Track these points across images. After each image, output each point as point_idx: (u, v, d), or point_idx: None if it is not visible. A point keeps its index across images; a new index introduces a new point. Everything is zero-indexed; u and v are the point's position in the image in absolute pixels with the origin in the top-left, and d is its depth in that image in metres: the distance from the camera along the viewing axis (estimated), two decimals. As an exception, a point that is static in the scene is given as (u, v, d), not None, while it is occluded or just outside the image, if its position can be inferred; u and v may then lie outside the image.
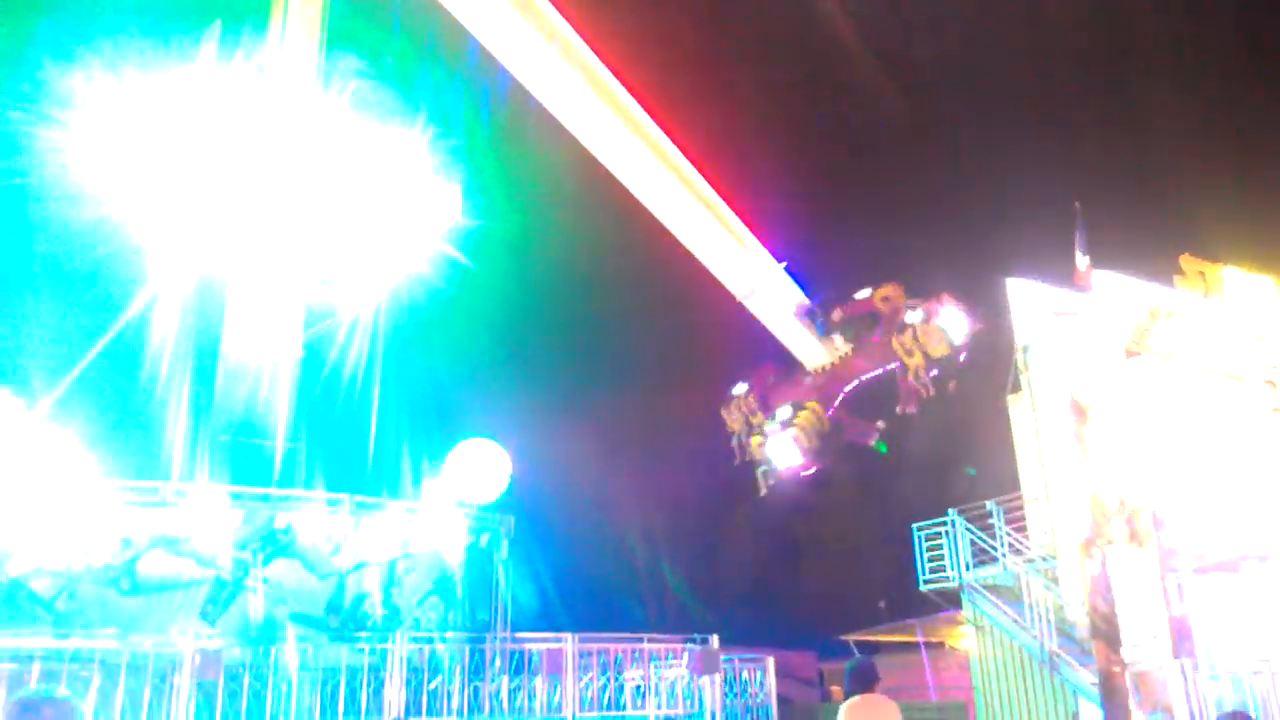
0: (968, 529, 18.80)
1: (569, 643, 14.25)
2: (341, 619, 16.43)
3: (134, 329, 18.19)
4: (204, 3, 18.58)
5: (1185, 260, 17.54)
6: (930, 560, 19.49)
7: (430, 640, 15.84)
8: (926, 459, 23.78)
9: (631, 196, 16.23)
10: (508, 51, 14.29)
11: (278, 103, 18.69)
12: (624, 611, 36.09)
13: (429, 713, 14.17)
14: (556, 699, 14.49)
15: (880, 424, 14.10)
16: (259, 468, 17.25)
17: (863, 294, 13.96)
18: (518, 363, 33.83)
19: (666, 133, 14.00)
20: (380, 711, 13.31)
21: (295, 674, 14.09)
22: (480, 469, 18.58)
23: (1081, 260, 16.27)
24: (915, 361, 14.24)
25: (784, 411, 13.89)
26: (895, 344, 13.81)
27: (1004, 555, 18.20)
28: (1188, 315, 16.99)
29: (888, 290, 14.24)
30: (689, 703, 15.15)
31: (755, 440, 13.98)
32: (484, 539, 18.82)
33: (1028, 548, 18.34)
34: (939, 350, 13.84)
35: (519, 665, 15.52)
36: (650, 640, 15.96)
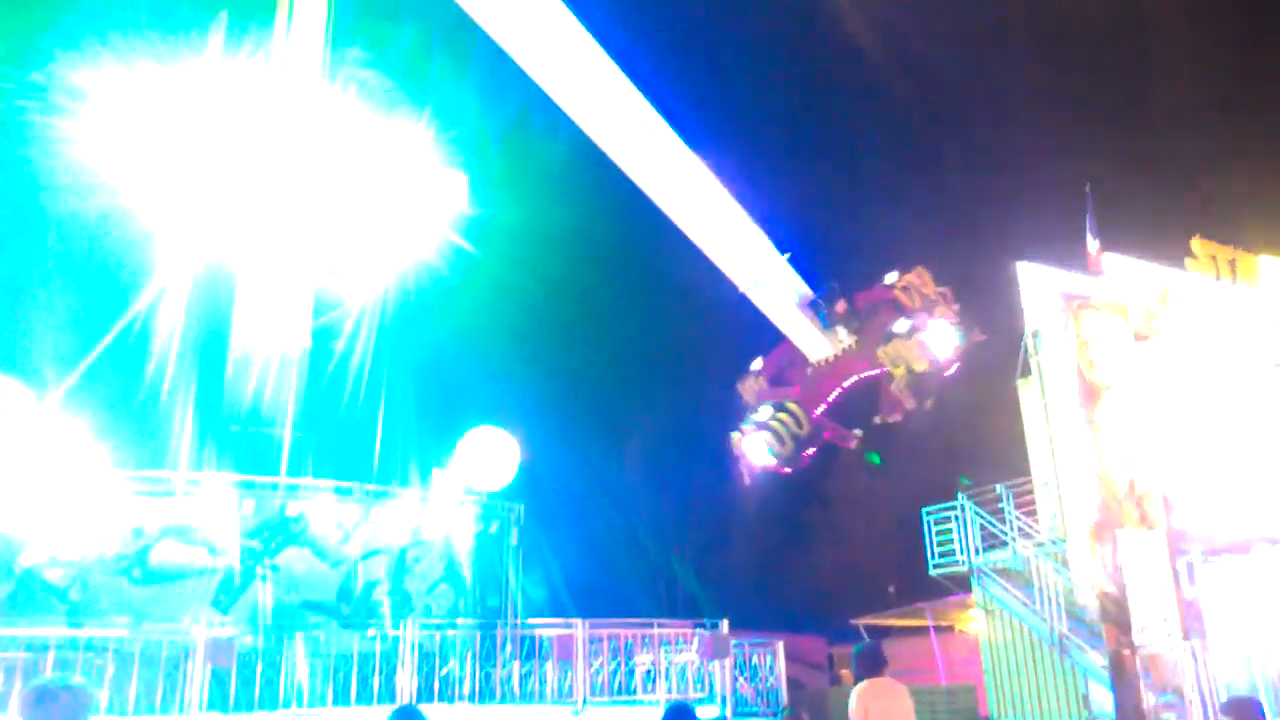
0: (977, 513, 18.77)
1: (579, 628, 14.28)
2: (353, 606, 16.51)
3: (143, 320, 18.25)
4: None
5: (1197, 243, 17.43)
6: (940, 545, 19.47)
7: (442, 626, 15.91)
8: (936, 444, 23.76)
9: (638, 186, 16.17)
10: (513, 40, 14.19)
11: (284, 94, 18.67)
12: (634, 597, 36.17)
13: (441, 698, 14.24)
14: (567, 684, 14.53)
15: (858, 432, 13.75)
16: (269, 457, 17.31)
17: (890, 278, 13.48)
18: (526, 351, 33.82)
19: (671, 122, 13.84)
20: (393, 697, 13.38)
21: (308, 661, 14.17)
22: (489, 457, 18.63)
23: (1092, 244, 16.18)
24: (899, 372, 13.88)
25: (764, 411, 13.70)
26: (880, 353, 13.42)
27: (1014, 539, 18.17)
28: (1199, 298, 16.90)
29: (911, 278, 13.79)
30: (699, 687, 15.19)
31: (735, 435, 13.86)
32: (494, 527, 18.89)
33: (1037, 531, 18.32)
34: (919, 365, 13.41)
35: (530, 651, 15.58)
36: (660, 625, 16.00)
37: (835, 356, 13.83)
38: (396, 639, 13.95)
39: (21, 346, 21.10)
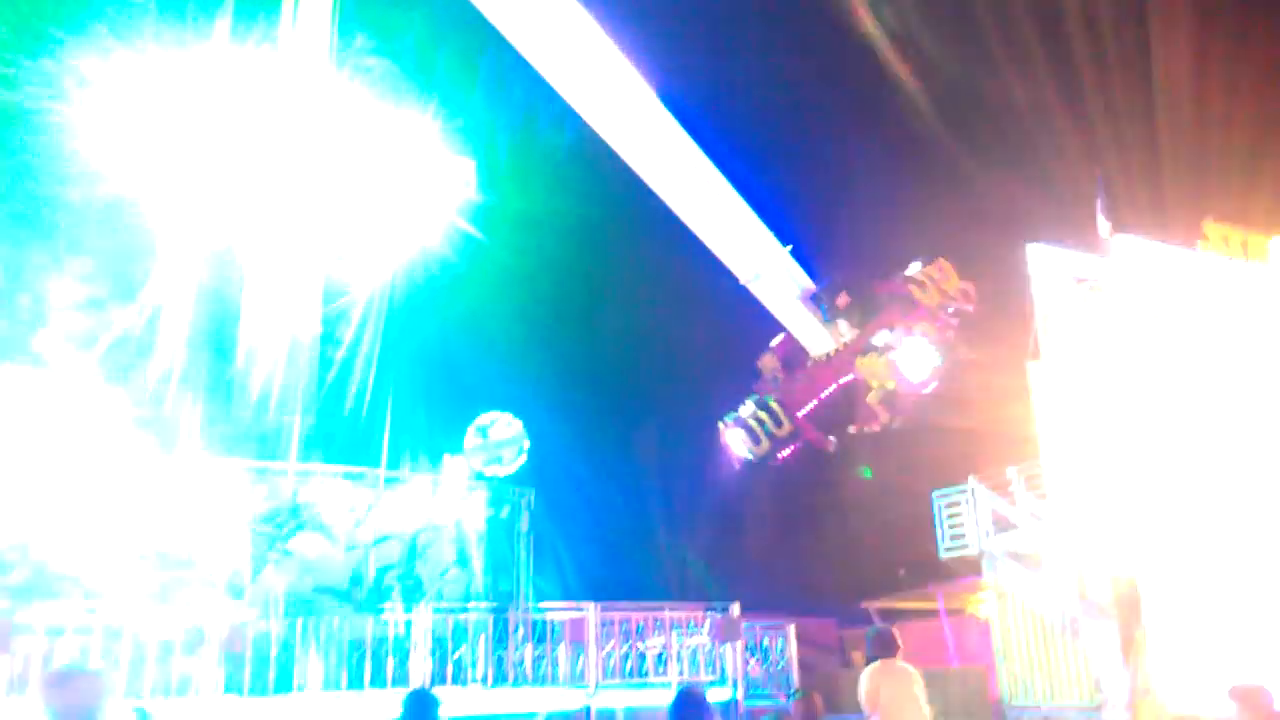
0: (988, 496, 18.76)
1: (591, 612, 14.35)
2: (365, 591, 16.62)
3: (153, 308, 18.31)
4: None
5: (1209, 225, 17.33)
6: (950, 527, 19.49)
7: (454, 611, 16.01)
8: (946, 426, 23.69)
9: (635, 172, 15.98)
10: (512, 24, 14.03)
11: (291, 81, 18.67)
12: (644, 581, 36.26)
13: (454, 681, 14.33)
14: (579, 667, 14.62)
15: (832, 439, 13.45)
16: (280, 443, 17.39)
17: (913, 268, 12.93)
18: (533, 338, 33.82)
19: (670, 107, 13.60)
20: (406, 680, 13.47)
21: (321, 645, 14.27)
22: (499, 442, 18.70)
23: (1103, 225, 16.11)
24: (875, 385, 13.52)
25: (747, 406, 13.51)
26: (859, 362, 13.08)
27: (1025, 521, 18.17)
28: (1210, 281, 16.82)
29: (932, 270, 13.22)
30: (710, 670, 15.26)
31: (720, 424, 13.73)
32: (504, 512, 18.97)
33: (1049, 514, 18.30)
34: (889, 383, 13.06)
35: (542, 635, 15.67)
36: (671, 609, 16.07)
37: (833, 353, 13.55)
38: (409, 623, 14.05)
39: (31, 335, 21.20)
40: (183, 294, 18.51)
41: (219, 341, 18.98)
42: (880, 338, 12.81)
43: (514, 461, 18.70)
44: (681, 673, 15.05)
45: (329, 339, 19.74)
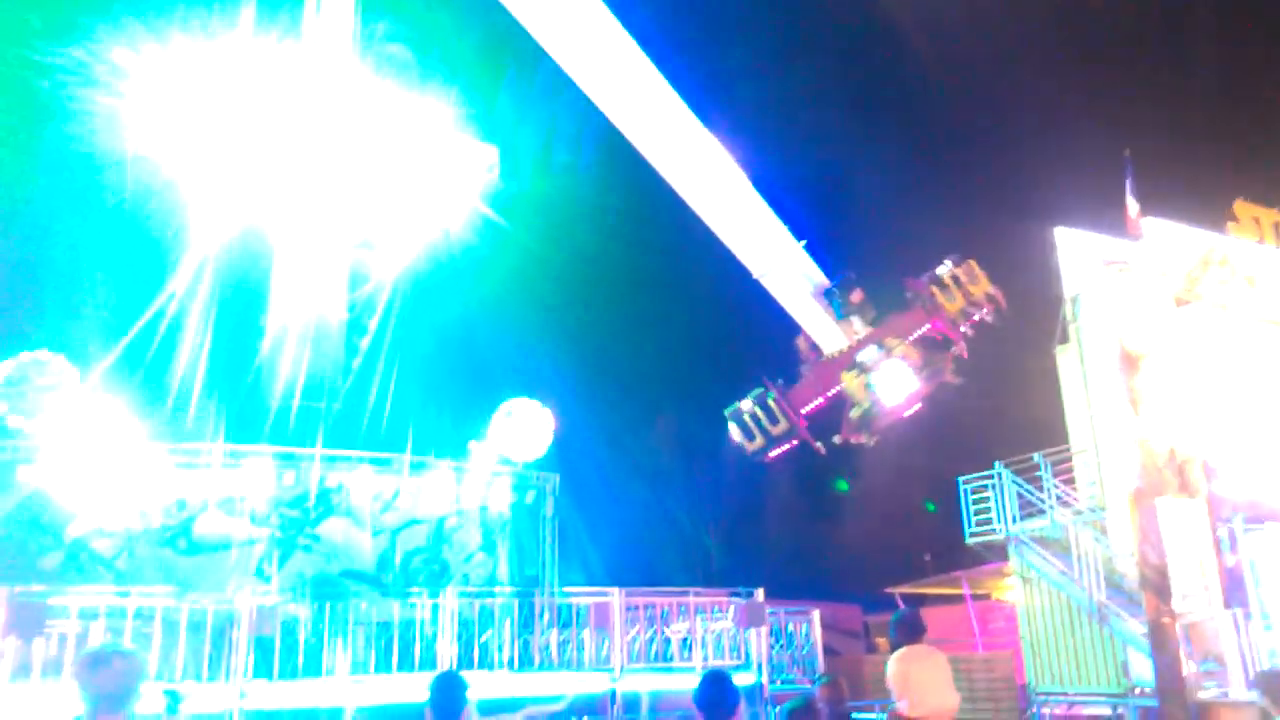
0: (1014, 481, 18.67)
1: (616, 597, 14.39)
2: (392, 575, 16.76)
3: (184, 295, 18.48)
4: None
5: (1240, 205, 17.10)
6: (976, 513, 19.41)
7: (480, 595, 16.11)
8: (972, 412, 23.57)
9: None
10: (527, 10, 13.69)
11: (316, 68, 18.73)
12: (669, 566, 36.38)
13: (480, 665, 14.43)
14: (604, 651, 14.67)
15: (820, 444, 13.13)
16: (309, 429, 17.52)
17: (942, 269, 12.42)
18: (557, 324, 33.92)
19: (684, 96, 13.27)
20: (434, 664, 13.57)
21: (349, 629, 14.40)
22: (524, 428, 18.75)
23: (1132, 207, 15.92)
24: (856, 404, 13.14)
25: (747, 402, 13.31)
26: (843, 375, 12.77)
27: (1052, 507, 18.07)
28: (1241, 262, 16.61)
29: (961, 272, 12.66)
30: (735, 655, 15.28)
31: (727, 412, 13.53)
32: (530, 497, 19.05)
33: (1076, 500, 18.19)
34: (864, 404, 12.74)
35: (567, 619, 15.73)
36: (695, 594, 16.10)
37: (843, 351, 13.24)
38: (436, 607, 14.14)
39: (63, 323, 21.47)
40: (211, 280, 18.67)
41: (248, 328, 19.13)
42: (867, 354, 12.47)
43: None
44: (706, 658, 15.08)
45: (355, 326, 19.85)
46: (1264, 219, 17.14)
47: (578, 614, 15.57)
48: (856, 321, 12.80)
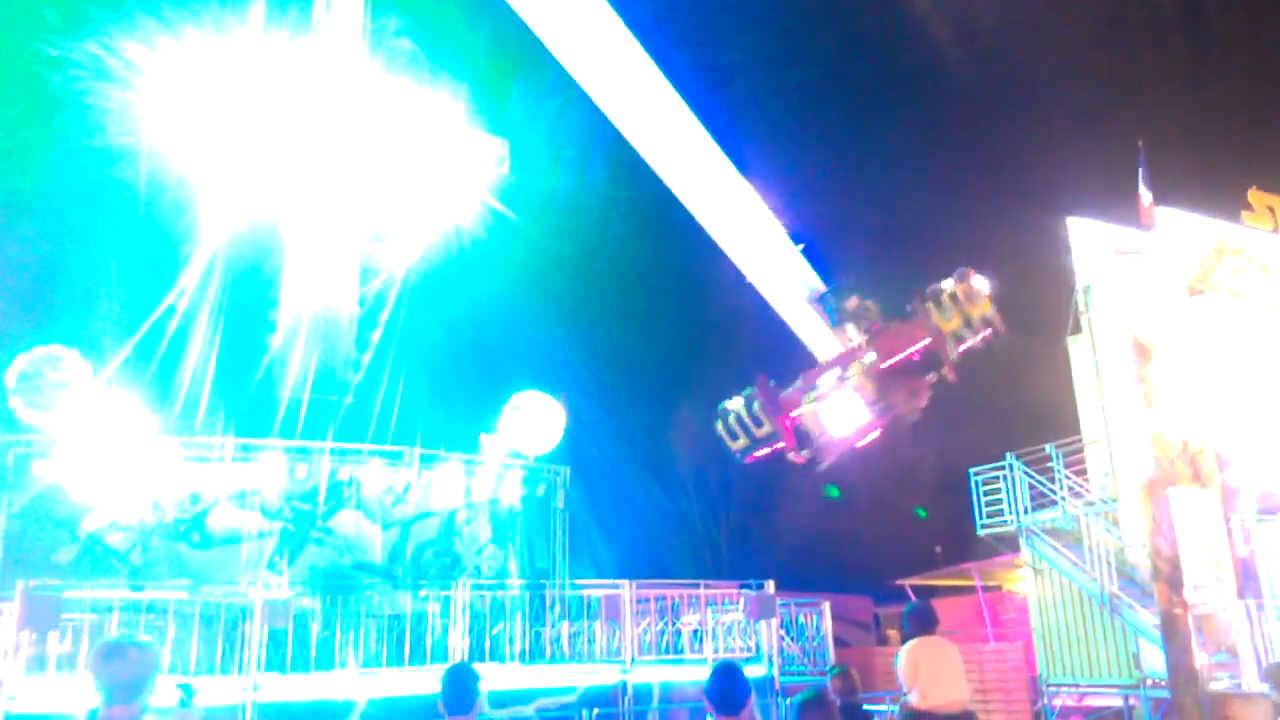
0: (1026, 472, 18.62)
1: (627, 589, 14.40)
2: (404, 568, 16.82)
3: (196, 290, 18.55)
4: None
5: (1253, 194, 16.98)
6: (988, 504, 19.37)
7: (491, 587, 16.15)
8: (984, 403, 23.50)
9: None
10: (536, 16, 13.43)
11: (325, 61, 18.75)
12: (679, 558, 36.41)
13: (492, 657, 14.47)
14: (615, 643, 14.70)
15: (804, 454, 12.85)
16: (320, 422, 17.58)
17: (947, 283, 12.00)
18: (567, 316, 33.93)
19: (682, 92, 12.99)
20: (445, 656, 13.62)
21: (362, 621, 14.46)
22: (535, 421, 18.77)
23: (1145, 197, 15.83)
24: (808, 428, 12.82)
25: (736, 400, 13.08)
26: (805, 399, 12.47)
27: (1063, 498, 18.02)
28: (1255, 251, 16.50)
29: (965, 288, 12.19)
30: (746, 647, 15.30)
31: (719, 407, 13.32)
32: (540, 490, 19.08)
33: (1087, 490, 18.13)
34: (813, 430, 12.44)
35: (578, 611, 15.76)
36: (706, 586, 16.11)
37: (835, 359, 12.83)
38: (448, 599, 14.18)
39: (76, 318, 21.57)
40: (222, 275, 18.73)
41: (259, 321, 19.20)
42: (826, 380, 12.16)
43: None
44: (717, 649, 15.10)
45: (366, 319, 19.90)
46: (1278, 207, 17.02)
47: (589, 606, 15.59)
48: (851, 329, 12.35)
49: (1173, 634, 13.56)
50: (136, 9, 16.98)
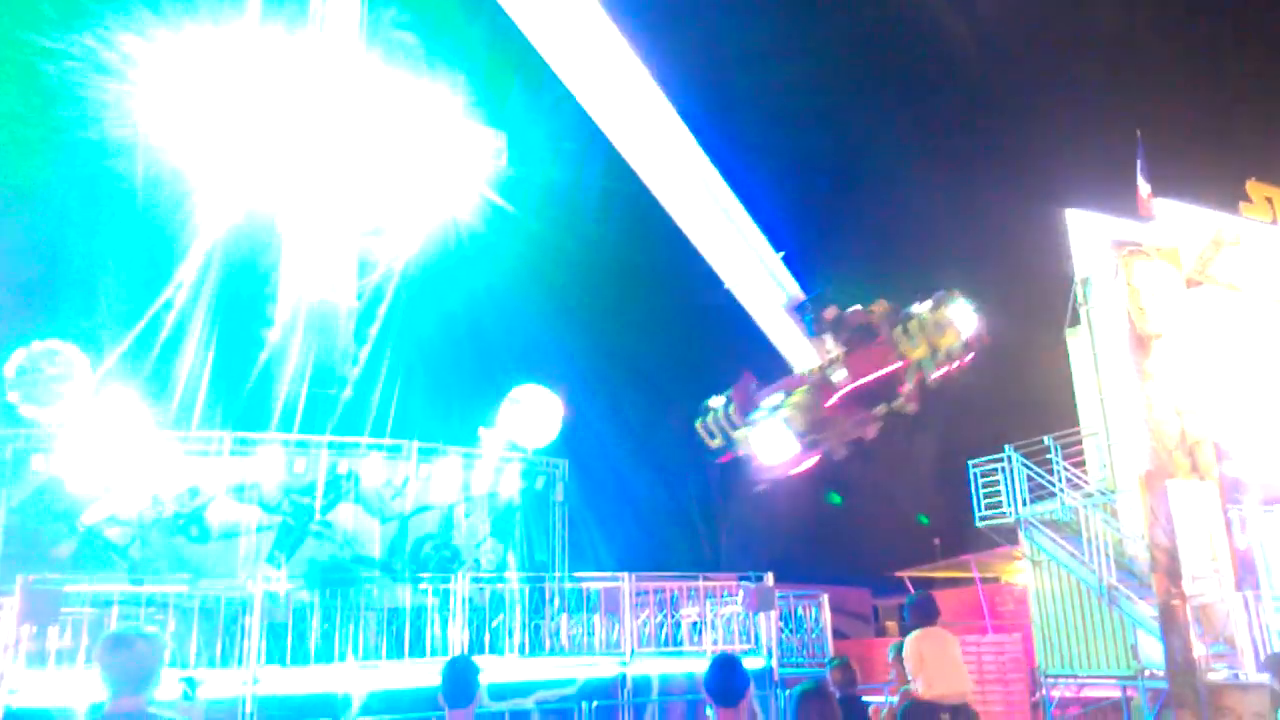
0: (1024, 464, 18.61)
1: (626, 582, 14.41)
2: (403, 561, 16.83)
3: (194, 284, 18.53)
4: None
5: (1252, 186, 16.97)
6: (986, 497, 19.36)
7: (491, 580, 16.17)
8: (982, 395, 23.52)
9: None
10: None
11: (323, 54, 18.71)
12: (678, 551, 36.46)
13: (491, 650, 14.50)
14: (615, 636, 14.72)
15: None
16: (319, 416, 17.58)
17: (917, 307, 11.59)
18: (566, 310, 33.91)
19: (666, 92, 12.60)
20: (445, 650, 13.63)
21: (361, 615, 14.47)
22: (534, 414, 18.79)
23: (1144, 188, 15.83)
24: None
25: (717, 399, 12.92)
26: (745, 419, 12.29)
27: (1062, 490, 18.02)
28: (1254, 243, 16.50)
29: (934, 317, 11.76)
30: (745, 639, 15.32)
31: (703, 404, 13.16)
32: (539, 483, 19.10)
33: (1086, 482, 18.14)
34: (750, 456, 12.22)
35: (577, 604, 15.78)
36: (705, 579, 16.12)
37: (813, 371, 12.44)
38: (447, 593, 14.19)
39: (75, 312, 21.54)
40: (221, 269, 18.71)
41: (257, 316, 19.18)
42: (770, 401, 11.97)
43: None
44: (716, 642, 15.13)
45: (364, 313, 19.89)
46: (1276, 199, 17.00)
47: (588, 599, 15.61)
48: (829, 340, 11.92)
49: (1171, 625, 13.58)
50: (134, 1, 16.93)
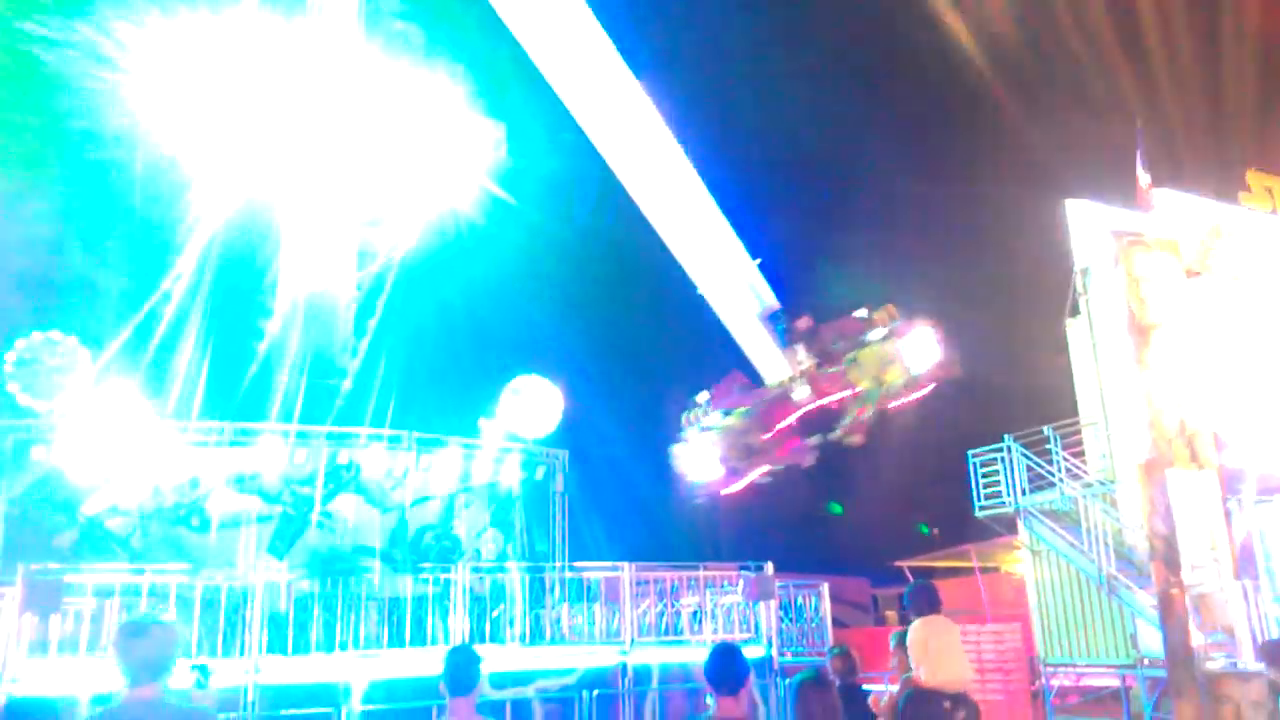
0: (1024, 454, 18.64)
1: (626, 571, 14.45)
2: (404, 551, 16.87)
3: (194, 274, 18.51)
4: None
5: (1252, 175, 16.95)
6: (986, 486, 19.39)
7: (491, 570, 16.20)
8: (982, 385, 23.53)
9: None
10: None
11: (323, 44, 18.66)
12: (678, 540, 36.46)
13: (492, 639, 14.54)
14: (615, 625, 14.76)
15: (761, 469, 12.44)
16: (319, 407, 17.60)
17: (873, 334, 11.27)
18: (565, 301, 33.86)
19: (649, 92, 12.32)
20: (446, 639, 13.67)
21: (363, 604, 14.51)
22: (534, 405, 18.80)
23: (1143, 179, 15.80)
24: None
25: (702, 394, 12.76)
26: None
27: (1061, 480, 18.05)
28: (1253, 233, 16.49)
29: (879, 351, 11.44)
30: (745, 628, 15.36)
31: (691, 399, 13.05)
32: (539, 473, 19.13)
33: (1085, 472, 18.17)
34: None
35: (578, 594, 15.82)
36: (705, 568, 16.16)
37: (784, 383, 12.17)
38: (448, 582, 14.22)
39: (75, 303, 21.52)
40: (220, 260, 18.69)
41: (257, 307, 19.17)
42: (711, 420, 11.90)
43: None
44: (716, 631, 15.17)
45: (364, 303, 19.89)
46: (1276, 189, 16.98)
47: (588, 589, 15.65)
48: (801, 351, 11.59)
49: (1170, 614, 13.61)
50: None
